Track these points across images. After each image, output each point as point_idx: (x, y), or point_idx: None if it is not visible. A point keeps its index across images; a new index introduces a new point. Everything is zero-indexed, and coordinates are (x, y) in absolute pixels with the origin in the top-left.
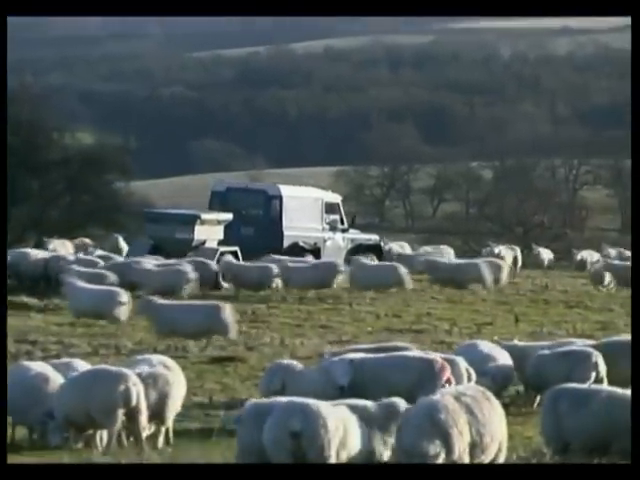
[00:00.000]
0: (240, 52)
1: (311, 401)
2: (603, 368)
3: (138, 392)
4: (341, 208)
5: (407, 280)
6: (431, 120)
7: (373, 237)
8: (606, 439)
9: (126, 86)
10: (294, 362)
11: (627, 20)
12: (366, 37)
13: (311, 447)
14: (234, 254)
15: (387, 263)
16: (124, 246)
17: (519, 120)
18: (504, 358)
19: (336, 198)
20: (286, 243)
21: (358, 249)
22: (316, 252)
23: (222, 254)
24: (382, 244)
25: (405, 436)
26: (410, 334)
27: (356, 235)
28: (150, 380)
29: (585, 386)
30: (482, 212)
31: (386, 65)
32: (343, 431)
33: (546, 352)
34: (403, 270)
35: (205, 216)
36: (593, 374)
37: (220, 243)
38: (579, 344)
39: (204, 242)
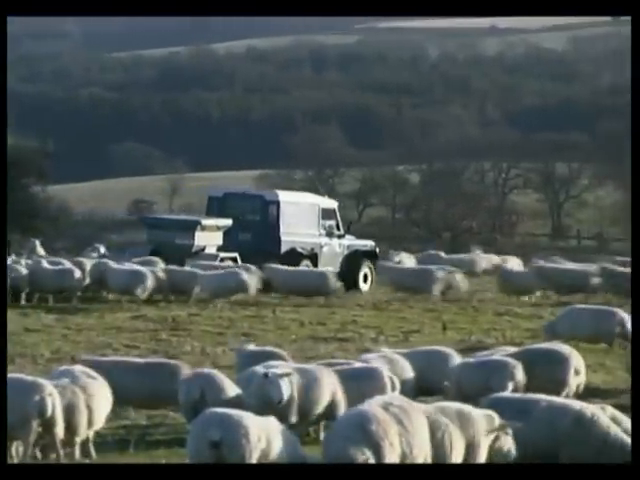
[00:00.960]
0: (160, 52)
1: (232, 411)
2: (522, 377)
3: (54, 403)
4: (337, 214)
5: (332, 285)
6: (357, 122)
7: (369, 243)
8: (550, 449)
9: (44, 87)
10: (214, 371)
11: (557, 20)
12: (289, 37)
13: (232, 457)
14: (234, 260)
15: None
16: (41, 251)
17: (447, 122)
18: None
19: (332, 204)
20: (283, 248)
21: (354, 255)
22: (313, 258)
23: (222, 260)
24: (377, 250)
25: (334, 447)
26: (335, 342)
27: (352, 241)
28: (70, 391)
29: (526, 396)
30: (409, 217)
31: (310, 66)
32: (266, 442)
33: (470, 360)
34: (331, 275)
35: (205, 222)
36: (510, 383)
37: (219, 249)
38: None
39: (204, 248)
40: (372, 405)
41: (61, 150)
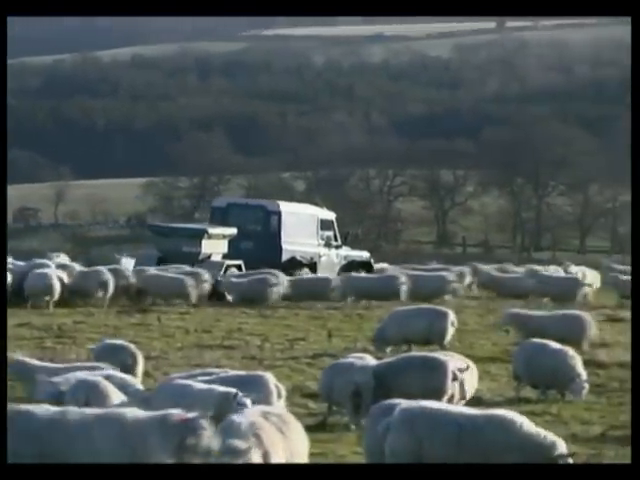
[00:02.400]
0: (45, 60)
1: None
2: (366, 380)
3: None
4: (335, 225)
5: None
6: (242, 130)
7: (364, 254)
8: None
9: None
10: (99, 378)
11: (442, 27)
12: (175, 45)
13: None
14: (238, 267)
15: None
16: None
17: (333, 130)
18: None
19: (330, 215)
20: (284, 257)
21: (350, 265)
22: (312, 267)
23: (227, 267)
24: (372, 261)
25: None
26: (221, 350)
27: (349, 252)
28: None
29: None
30: None
31: (196, 73)
32: None
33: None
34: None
35: (212, 230)
36: (352, 386)
37: (224, 257)
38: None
39: (210, 255)
40: (253, 414)
41: None
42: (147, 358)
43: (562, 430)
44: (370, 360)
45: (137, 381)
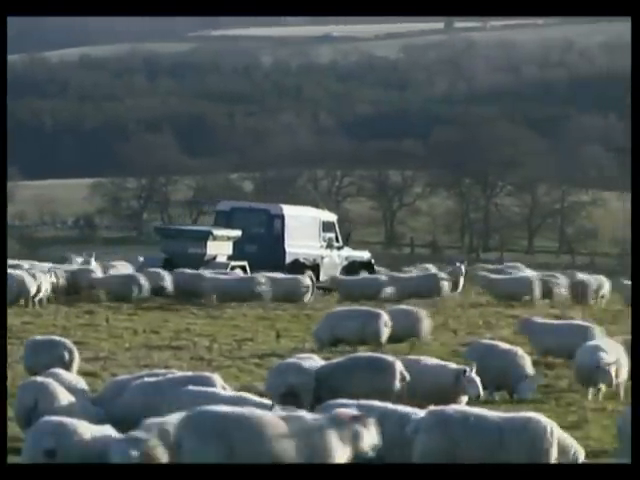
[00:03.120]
0: None
1: (67, 419)
2: (299, 380)
3: None
4: (336, 227)
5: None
6: (190, 130)
7: (365, 255)
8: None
9: None
10: (48, 379)
11: (390, 28)
12: (123, 45)
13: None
14: (243, 268)
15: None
16: None
17: (281, 130)
18: None
19: (332, 217)
20: (288, 259)
21: (352, 266)
22: (315, 268)
23: (232, 268)
24: (372, 261)
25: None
26: (169, 350)
27: (350, 253)
28: None
29: (353, 402)
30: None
31: (144, 74)
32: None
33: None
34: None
35: (217, 232)
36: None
37: (229, 258)
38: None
39: (215, 257)
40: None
41: None
42: (95, 359)
43: None
44: (317, 361)
45: (82, 381)
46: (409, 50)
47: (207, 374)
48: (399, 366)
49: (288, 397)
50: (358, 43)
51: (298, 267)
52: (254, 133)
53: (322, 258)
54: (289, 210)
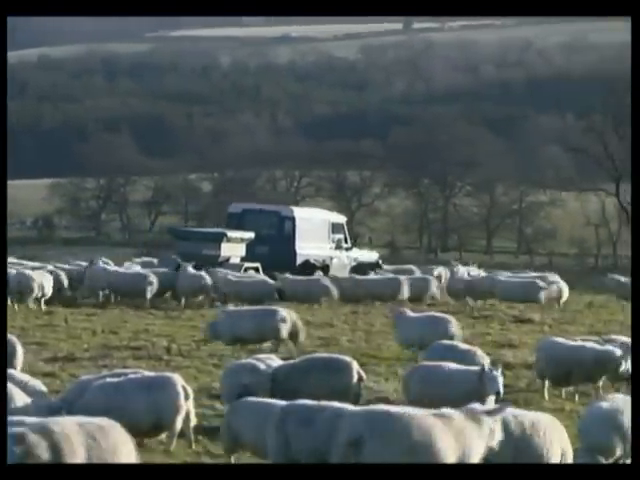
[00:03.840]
0: None
1: (29, 419)
2: (250, 380)
3: None
4: (345, 228)
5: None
6: (149, 131)
7: (374, 255)
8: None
9: None
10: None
11: (348, 28)
12: (82, 45)
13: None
14: (256, 270)
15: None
16: None
17: (239, 131)
18: None
19: (341, 219)
20: (298, 261)
21: (360, 267)
22: (325, 269)
23: (246, 270)
24: (380, 262)
25: None
26: (128, 351)
27: (358, 254)
28: None
29: (313, 403)
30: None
31: (102, 74)
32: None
33: None
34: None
35: (231, 234)
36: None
37: (242, 260)
38: None
39: (229, 258)
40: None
41: None
42: (54, 359)
43: None
44: (276, 361)
45: (39, 382)
46: (368, 50)
47: (167, 374)
48: (356, 366)
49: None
50: (317, 43)
51: (308, 268)
52: (213, 133)
53: (331, 259)
54: (299, 212)
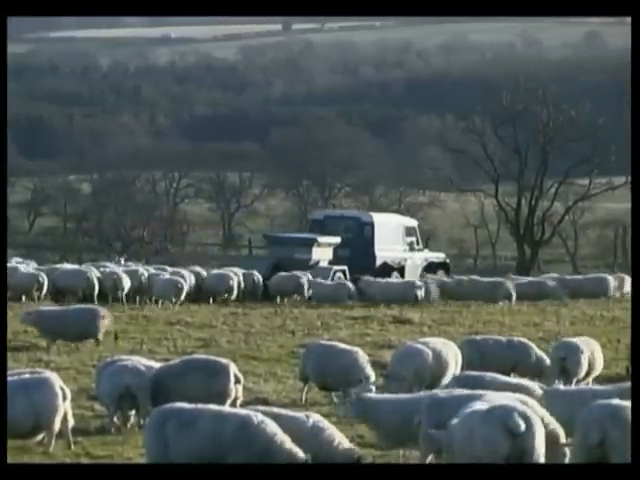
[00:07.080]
0: None
1: None
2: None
3: None
4: (417, 231)
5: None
6: (28, 132)
7: (441, 255)
8: (217, 455)
9: None
10: None
11: (228, 29)
12: None
13: None
14: (343, 272)
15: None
16: None
17: (119, 132)
18: None
19: (413, 222)
20: (378, 263)
21: (430, 267)
22: (401, 270)
23: (335, 272)
24: (447, 261)
25: None
26: (7, 352)
27: (428, 254)
28: None
29: (191, 406)
30: (80, 226)
31: None
32: None
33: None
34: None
35: (321, 239)
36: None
37: (329, 263)
38: None
39: (318, 262)
40: None
41: None
42: None
43: (349, 431)
44: (156, 362)
45: None
46: (247, 51)
47: (46, 375)
48: (233, 368)
49: (126, 398)
50: (196, 44)
51: (387, 269)
52: (92, 134)
53: (406, 260)
54: (378, 217)
